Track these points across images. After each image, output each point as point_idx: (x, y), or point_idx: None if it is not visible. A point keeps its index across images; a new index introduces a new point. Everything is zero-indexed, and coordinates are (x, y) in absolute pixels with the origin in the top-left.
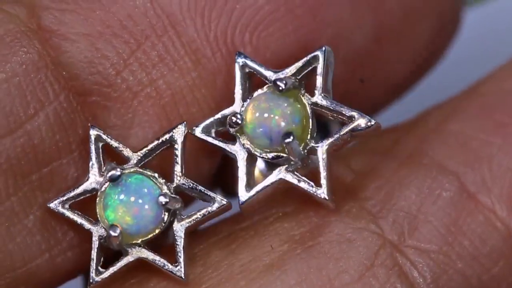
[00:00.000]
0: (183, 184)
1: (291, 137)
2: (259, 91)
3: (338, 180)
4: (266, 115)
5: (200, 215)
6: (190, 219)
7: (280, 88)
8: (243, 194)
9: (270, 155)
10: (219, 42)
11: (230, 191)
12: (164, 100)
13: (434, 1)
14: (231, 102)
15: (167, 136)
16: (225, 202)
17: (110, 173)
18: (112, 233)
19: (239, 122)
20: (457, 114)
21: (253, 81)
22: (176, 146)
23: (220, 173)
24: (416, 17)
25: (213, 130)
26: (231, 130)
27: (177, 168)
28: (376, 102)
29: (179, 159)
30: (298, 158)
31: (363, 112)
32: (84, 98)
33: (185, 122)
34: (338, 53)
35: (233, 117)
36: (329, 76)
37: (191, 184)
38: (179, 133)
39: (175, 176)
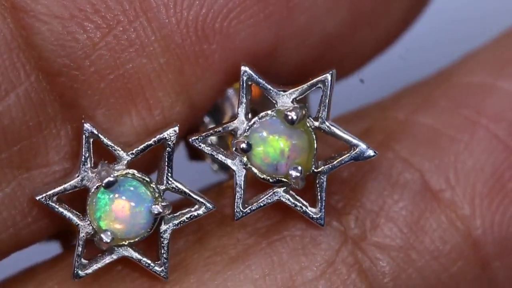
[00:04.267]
0: (173, 187)
1: (299, 172)
2: (266, 115)
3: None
4: (274, 148)
5: (186, 218)
6: (177, 222)
7: (291, 121)
8: (239, 211)
9: (272, 180)
10: (190, 29)
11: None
12: (131, 83)
13: None
14: (198, 88)
15: (159, 137)
16: (211, 207)
17: (106, 180)
18: (105, 238)
19: (247, 150)
20: (428, 106)
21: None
22: (168, 149)
23: None
24: None
25: (210, 138)
26: (235, 152)
27: (168, 171)
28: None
29: (171, 162)
30: (301, 186)
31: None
32: (53, 78)
33: (177, 126)
34: (311, 38)
35: (241, 144)
36: (331, 97)
37: (181, 188)
38: (172, 136)
39: (165, 179)
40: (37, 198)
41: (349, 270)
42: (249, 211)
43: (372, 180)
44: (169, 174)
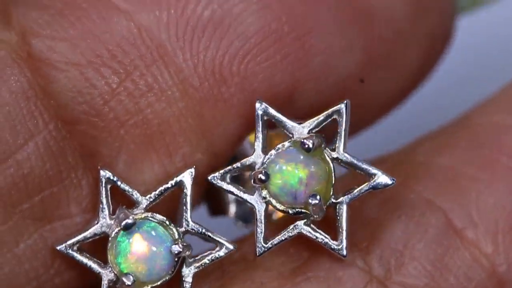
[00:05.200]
0: (193, 229)
1: (318, 199)
2: (282, 147)
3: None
4: (291, 176)
5: (208, 260)
6: (198, 264)
7: (308, 149)
8: (261, 246)
9: (292, 211)
10: (207, 72)
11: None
12: (151, 129)
13: (423, 22)
14: (219, 133)
15: (176, 180)
16: (232, 247)
17: (124, 222)
18: (126, 282)
19: (265, 180)
20: (448, 147)
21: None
22: (185, 191)
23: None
24: (405, 39)
25: (228, 176)
26: (255, 185)
27: (186, 213)
28: (362, 122)
29: (188, 205)
30: (320, 216)
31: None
32: (73, 127)
33: (194, 167)
34: (328, 80)
35: (259, 175)
36: (348, 127)
37: (200, 230)
38: (188, 179)
39: (184, 221)
40: (58, 248)
41: None
42: (270, 246)
43: (395, 219)
44: (187, 216)
